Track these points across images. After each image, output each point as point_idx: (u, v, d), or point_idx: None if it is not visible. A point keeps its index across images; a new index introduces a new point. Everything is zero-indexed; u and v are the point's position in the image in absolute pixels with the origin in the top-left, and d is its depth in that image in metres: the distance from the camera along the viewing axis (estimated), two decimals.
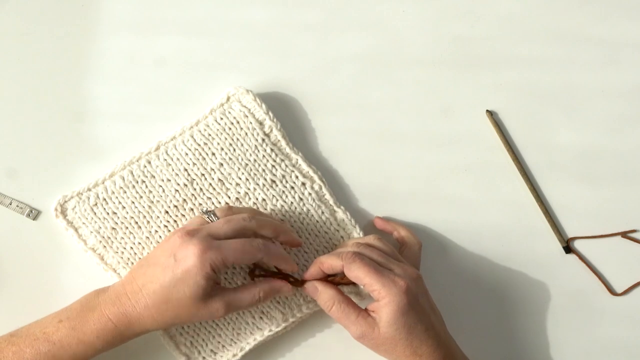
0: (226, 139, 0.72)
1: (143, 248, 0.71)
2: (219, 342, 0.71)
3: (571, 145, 0.76)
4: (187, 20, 0.76)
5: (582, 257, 0.75)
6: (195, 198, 0.72)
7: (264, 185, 0.72)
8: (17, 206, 0.73)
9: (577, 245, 0.75)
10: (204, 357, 0.71)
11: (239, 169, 0.72)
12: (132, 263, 0.71)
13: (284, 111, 0.75)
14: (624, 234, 0.75)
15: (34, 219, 0.73)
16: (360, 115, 0.76)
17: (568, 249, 0.75)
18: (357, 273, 0.64)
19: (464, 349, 0.68)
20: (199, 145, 0.72)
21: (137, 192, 0.72)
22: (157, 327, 0.64)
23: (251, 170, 0.72)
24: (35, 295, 0.72)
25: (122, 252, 0.71)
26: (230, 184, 0.72)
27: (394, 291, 0.63)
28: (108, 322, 0.64)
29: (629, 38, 0.77)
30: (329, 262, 0.66)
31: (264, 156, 0.72)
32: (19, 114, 0.74)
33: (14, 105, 0.74)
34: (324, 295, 0.66)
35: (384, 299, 0.63)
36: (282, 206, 0.72)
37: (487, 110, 0.76)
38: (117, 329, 0.64)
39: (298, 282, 0.68)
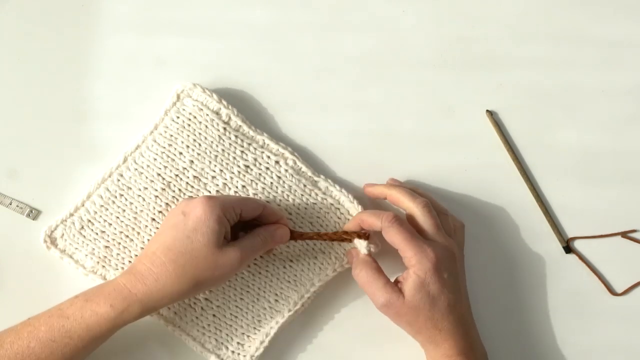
0: (188, 135, 0.72)
1: None
2: (242, 333, 0.71)
3: (571, 145, 0.76)
4: (187, 20, 0.76)
5: (582, 257, 0.75)
6: (177, 200, 0.71)
7: (239, 172, 0.72)
8: (17, 206, 0.73)
9: (577, 245, 0.75)
10: (232, 352, 0.71)
11: (210, 162, 0.72)
12: None
13: (285, 112, 0.75)
14: (624, 234, 0.75)
15: (34, 219, 0.73)
16: (360, 116, 0.76)
17: (568, 249, 0.75)
18: (394, 238, 0.65)
19: None
20: (164, 147, 0.72)
21: (118, 207, 0.71)
22: (177, 289, 0.63)
23: (222, 160, 0.72)
24: (35, 295, 0.72)
25: (122, 267, 0.71)
26: (207, 178, 0.72)
27: (424, 261, 0.64)
28: (123, 289, 0.63)
29: (629, 38, 0.77)
30: (370, 221, 0.68)
31: (230, 144, 0.72)
32: (19, 114, 0.74)
33: (14, 105, 0.74)
34: (359, 260, 0.68)
35: (413, 267, 0.65)
36: (263, 188, 0.72)
37: (487, 110, 0.76)
38: (133, 295, 0.62)
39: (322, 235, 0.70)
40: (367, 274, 0.66)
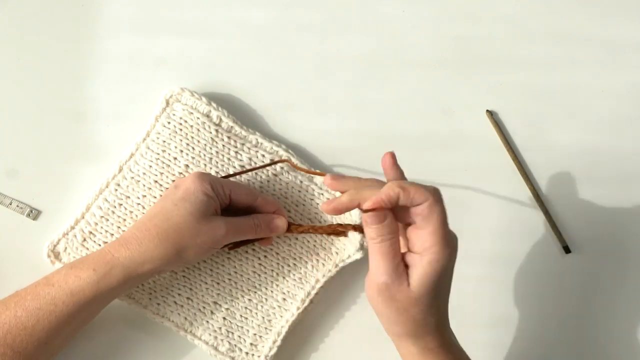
0: (181, 140, 0.72)
1: None
2: (254, 334, 0.72)
3: (571, 145, 0.76)
4: (187, 20, 0.76)
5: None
6: None
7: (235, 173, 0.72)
8: (17, 206, 0.73)
9: (577, 245, 0.75)
10: (246, 353, 0.71)
11: (205, 165, 0.72)
12: (142, 284, 0.72)
13: (286, 111, 0.75)
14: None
15: (34, 219, 0.73)
16: (359, 116, 0.76)
17: (568, 249, 0.75)
18: (435, 218, 0.56)
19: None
20: (158, 154, 0.72)
21: (119, 217, 0.71)
22: (158, 253, 0.63)
23: (217, 162, 0.72)
24: None
25: None
26: None
27: (448, 254, 0.56)
28: (107, 254, 0.63)
29: (629, 38, 0.77)
30: (415, 193, 0.56)
31: (223, 146, 0.72)
32: (19, 114, 0.74)
33: (14, 106, 0.74)
34: (388, 226, 0.57)
35: (434, 255, 0.56)
36: (260, 187, 0.72)
37: (487, 110, 0.76)
38: (115, 259, 0.63)
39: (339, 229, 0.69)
40: (385, 245, 0.56)
